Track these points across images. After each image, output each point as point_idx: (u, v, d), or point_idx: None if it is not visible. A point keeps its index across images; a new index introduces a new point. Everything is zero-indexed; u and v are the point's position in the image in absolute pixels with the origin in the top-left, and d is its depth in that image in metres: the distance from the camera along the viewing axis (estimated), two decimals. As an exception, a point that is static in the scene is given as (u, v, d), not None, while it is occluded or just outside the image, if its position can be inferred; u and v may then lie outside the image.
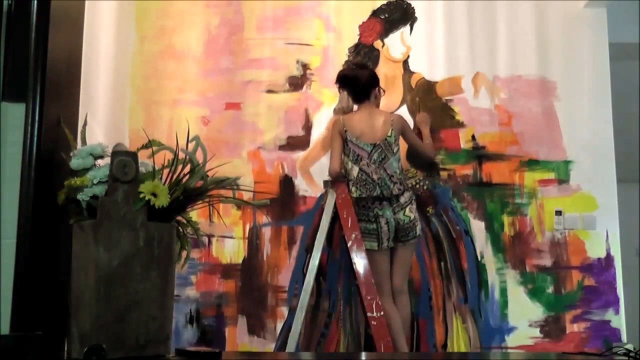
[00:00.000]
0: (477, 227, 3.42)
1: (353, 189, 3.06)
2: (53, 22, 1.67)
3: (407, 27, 3.57)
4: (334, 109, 3.50)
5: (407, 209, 3.02)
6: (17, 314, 1.53)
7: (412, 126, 3.36)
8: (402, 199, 3.03)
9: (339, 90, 3.32)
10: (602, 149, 3.47)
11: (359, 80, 3.14)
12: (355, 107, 3.27)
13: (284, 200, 3.41)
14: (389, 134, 3.07)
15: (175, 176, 1.65)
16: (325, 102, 3.50)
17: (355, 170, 3.06)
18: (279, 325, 3.29)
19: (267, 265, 3.36)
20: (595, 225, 3.43)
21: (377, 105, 3.24)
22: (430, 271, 3.38)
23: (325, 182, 3.28)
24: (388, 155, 3.05)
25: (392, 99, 3.48)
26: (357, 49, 3.56)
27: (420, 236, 3.13)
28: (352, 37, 3.56)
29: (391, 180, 3.02)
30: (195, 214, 1.75)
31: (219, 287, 3.34)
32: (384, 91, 3.28)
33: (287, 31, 3.56)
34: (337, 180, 3.12)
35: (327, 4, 3.58)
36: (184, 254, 1.71)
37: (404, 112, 3.48)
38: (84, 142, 1.76)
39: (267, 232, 3.39)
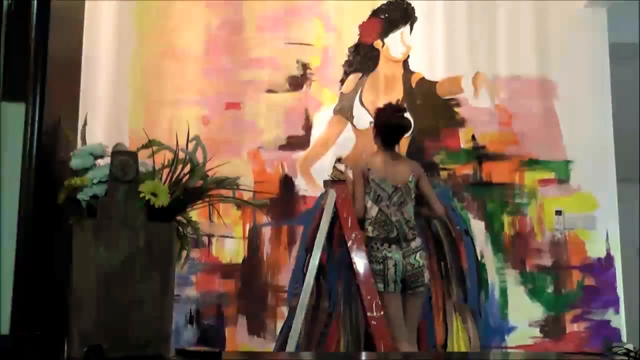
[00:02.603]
0: (477, 227, 3.42)
1: (370, 228, 3.05)
2: (53, 22, 1.66)
3: (407, 27, 3.58)
4: (334, 109, 3.50)
5: (418, 255, 3.03)
6: (16, 314, 1.53)
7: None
8: (414, 244, 3.03)
9: (374, 132, 3.19)
10: (602, 149, 3.48)
11: (405, 131, 3.18)
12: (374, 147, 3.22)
13: (284, 200, 3.41)
14: (410, 179, 3.10)
15: (175, 176, 1.65)
16: (325, 102, 3.51)
17: (374, 210, 3.06)
18: (279, 325, 3.29)
19: (267, 265, 3.36)
20: (595, 225, 3.43)
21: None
22: (430, 271, 3.37)
23: (325, 182, 3.28)
24: (407, 200, 3.07)
25: (392, 99, 3.48)
26: (357, 48, 3.56)
27: (428, 285, 3.11)
28: (352, 37, 3.57)
29: (407, 224, 3.04)
30: (195, 214, 1.75)
31: (219, 287, 3.34)
32: None
33: (287, 31, 3.56)
34: (337, 180, 3.12)
35: (327, 4, 3.58)
36: (184, 254, 1.70)
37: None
38: (84, 142, 1.77)
39: (267, 232, 3.39)
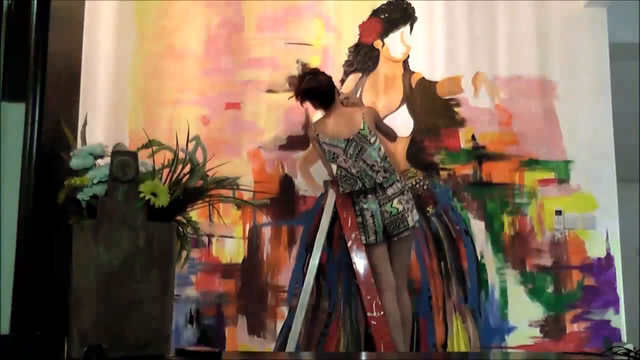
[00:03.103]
0: (477, 227, 3.42)
1: (340, 187, 3.03)
2: (53, 22, 1.67)
3: (407, 27, 3.58)
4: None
5: (396, 201, 2.96)
6: (17, 314, 1.54)
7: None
8: (390, 191, 2.97)
9: (301, 105, 3.19)
10: (602, 149, 3.47)
11: (322, 90, 3.09)
12: (322, 112, 3.17)
13: (284, 200, 3.41)
14: (362, 126, 3.01)
15: (175, 176, 1.65)
16: (325, 102, 3.50)
17: (334, 169, 3.04)
18: (279, 325, 3.29)
19: (267, 265, 3.36)
20: (595, 225, 3.43)
21: (341, 102, 3.20)
22: (430, 271, 3.38)
23: (325, 182, 3.28)
24: (365, 147, 2.99)
25: (392, 98, 3.48)
26: (357, 48, 3.56)
27: (414, 227, 3.03)
28: (352, 37, 3.57)
29: (372, 169, 2.96)
30: (195, 214, 1.75)
31: (219, 287, 3.34)
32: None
33: (287, 31, 3.56)
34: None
35: (327, 4, 3.58)
36: (184, 253, 1.71)
37: (404, 111, 3.48)
38: (84, 142, 1.77)
39: (267, 232, 3.39)
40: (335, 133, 3.05)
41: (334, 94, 3.12)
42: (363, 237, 2.98)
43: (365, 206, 2.98)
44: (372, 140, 3.02)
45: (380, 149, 3.02)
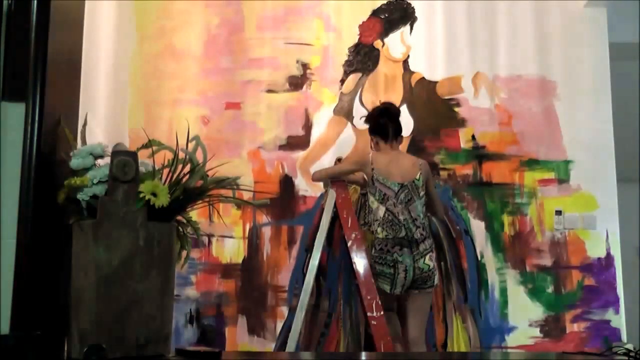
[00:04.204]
0: (477, 227, 3.42)
1: (379, 229, 2.91)
2: (53, 22, 1.66)
3: (407, 27, 3.58)
4: (334, 109, 3.51)
5: (427, 257, 2.89)
6: (17, 314, 1.53)
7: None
8: (422, 247, 2.89)
9: (370, 133, 3.11)
10: (602, 148, 3.48)
11: (397, 116, 3.05)
12: (378, 146, 3.10)
13: (284, 200, 3.41)
14: (417, 177, 2.95)
15: (175, 176, 1.65)
16: (325, 101, 3.51)
17: (381, 211, 2.92)
18: (279, 325, 3.30)
19: (267, 265, 3.37)
20: (595, 225, 3.43)
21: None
22: (430, 271, 3.37)
23: (325, 182, 3.28)
24: (414, 197, 2.92)
25: (392, 99, 3.48)
26: (357, 48, 3.56)
27: (437, 285, 3.02)
28: (352, 37, 3.57)
29: (414, 223, 2.89)
30: (195, 213, 1.75)
31: (219, 287, 3.34)
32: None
33: (287, 31, 3.56)
34: (338, 180, 3.12)
35: (327, 4, 3.58)
36: (184, 253, 1.70)
37: (404, 111, 3.48)
38: (84, 142, 1.77)
39: (267, 232, 3.40)
40: (391, 174, 2.96)
41: (401, 132, 3.07)
42: (387, 287, 2.88)
43: (400, 259, 2.86)
44: (422, 194, 2.96)
45: (424, 204, 2.98)
